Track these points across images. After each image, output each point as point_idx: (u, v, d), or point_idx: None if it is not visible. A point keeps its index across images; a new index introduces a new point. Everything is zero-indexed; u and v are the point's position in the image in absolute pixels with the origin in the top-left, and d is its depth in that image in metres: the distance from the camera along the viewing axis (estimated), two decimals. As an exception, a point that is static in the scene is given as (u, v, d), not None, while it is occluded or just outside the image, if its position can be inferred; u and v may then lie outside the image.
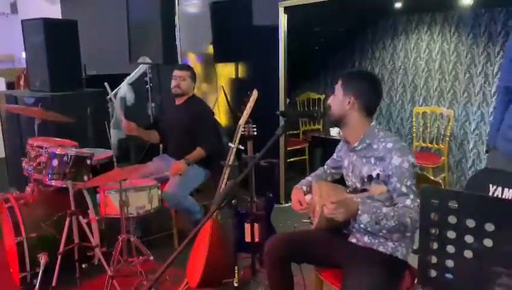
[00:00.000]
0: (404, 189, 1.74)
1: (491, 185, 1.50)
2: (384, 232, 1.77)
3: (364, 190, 1.68)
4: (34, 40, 4.01)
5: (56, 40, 3.94)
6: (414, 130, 4.38)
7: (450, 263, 1.26)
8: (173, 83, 3.36)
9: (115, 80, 5.09)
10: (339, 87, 1.90)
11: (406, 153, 1.77)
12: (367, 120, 1.89)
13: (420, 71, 4.57)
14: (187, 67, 3.45)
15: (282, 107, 3.95)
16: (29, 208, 2.76)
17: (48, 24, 3.92)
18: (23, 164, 2.83)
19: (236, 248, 2.56)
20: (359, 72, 2.05)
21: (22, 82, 6.53)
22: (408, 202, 1.72)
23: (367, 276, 1.72)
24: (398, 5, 4.20)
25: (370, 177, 1.83)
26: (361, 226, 1.76)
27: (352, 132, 1.91)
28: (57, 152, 2.67)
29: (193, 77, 3.42)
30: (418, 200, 1.71)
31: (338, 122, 1.94)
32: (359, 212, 1.69)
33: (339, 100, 1.89)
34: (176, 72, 3.36)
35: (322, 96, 5.44)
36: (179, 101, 3.42)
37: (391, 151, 1.78)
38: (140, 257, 2.75)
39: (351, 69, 1.79)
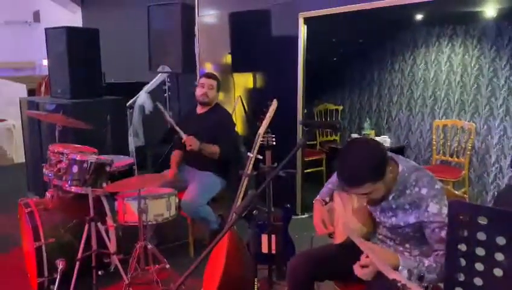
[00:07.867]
0: (443, 235, 1.62)
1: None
2: (425, 285, 1.63)
3: None
4: (57, 47, 4.09)
5: (77, 48, 4.00)
6: (434, 143, 4.31)
7: (478, 281, 1.22)
8: (200, 90, 3.33)
9: (133, 88, 5.16)
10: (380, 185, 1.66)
11: (442, 197, 1.67)
12: (395, 168, 1.73)
13: (441, 83, 4.51)
14: (215, 76, 3.43)
15: (300, 118, 3.93)
16: (49, 213, 2.78)
17: (71, 32, 4.00)
18: (44, 170, 2.85)
19: (253, 258, 2.53)
20: (374, 161, 1.65)
21: (43, 89, 6.64)
22: None
23: None
24: (419, 17, 4.17)
25: (406, 225, 1.74)
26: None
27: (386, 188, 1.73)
28: (77, 158, 2.69)
29: (219, 86, 3.42)
30: None
31: None
32: (400, 268, 1.59)
33: (384, 185, 1.69)
34: (205, 80, 3.34)
35: (340, 108, 5.41)
36: (201, 110, 3.39)
37: (427, 198, 1.67)
38: (157, 265, 2.74)
39: (359, 167, 1.53)
